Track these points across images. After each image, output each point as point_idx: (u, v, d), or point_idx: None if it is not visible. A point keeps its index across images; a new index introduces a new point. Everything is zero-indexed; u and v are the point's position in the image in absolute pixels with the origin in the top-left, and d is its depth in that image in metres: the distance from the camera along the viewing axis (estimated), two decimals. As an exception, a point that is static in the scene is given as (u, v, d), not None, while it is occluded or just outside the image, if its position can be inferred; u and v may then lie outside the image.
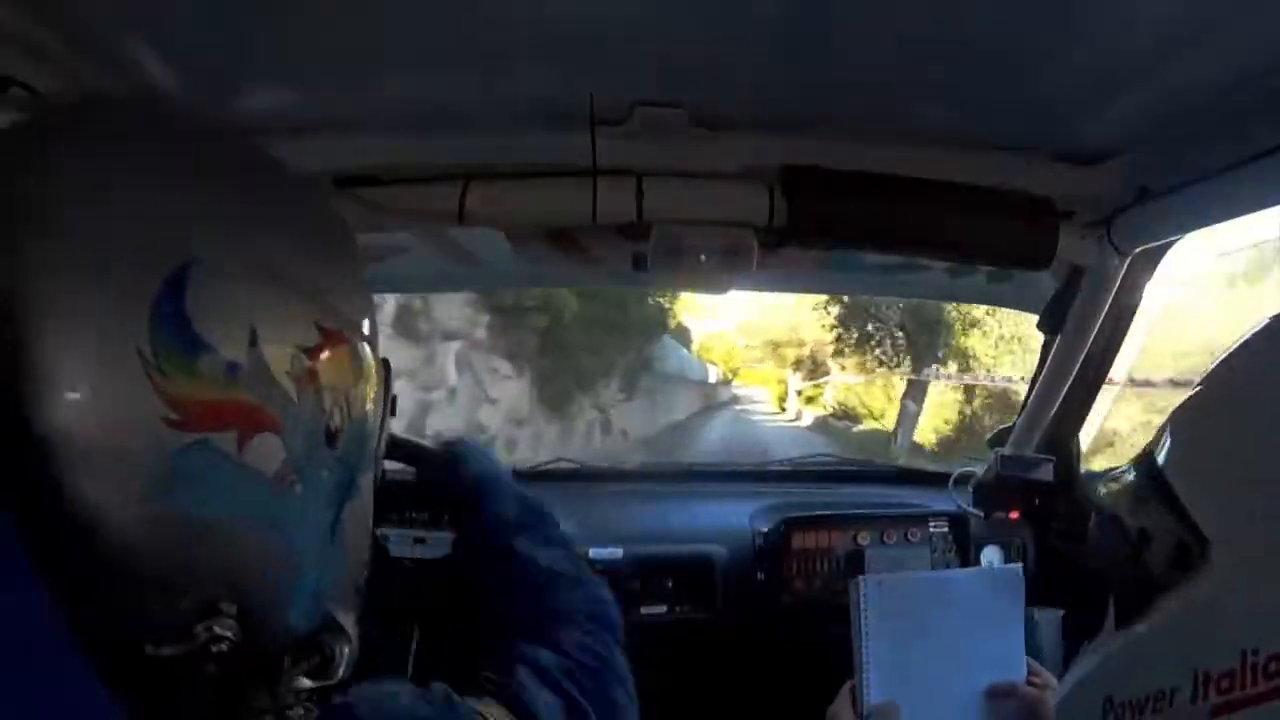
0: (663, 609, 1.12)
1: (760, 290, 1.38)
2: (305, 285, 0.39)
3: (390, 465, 1.11)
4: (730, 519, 1.24)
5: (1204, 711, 0.33)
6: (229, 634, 0.35)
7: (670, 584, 1.13)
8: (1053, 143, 0.85)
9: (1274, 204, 0.75)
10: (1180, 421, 0.41)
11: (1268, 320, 0.40)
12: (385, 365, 0.48)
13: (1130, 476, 0.43)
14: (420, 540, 1.09)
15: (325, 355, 0.38)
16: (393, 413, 0.52)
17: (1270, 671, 0.31)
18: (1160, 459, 0.41)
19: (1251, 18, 0.58)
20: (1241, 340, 0.41)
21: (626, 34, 0.65)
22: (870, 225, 0.87)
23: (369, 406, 0.44)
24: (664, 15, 0.62)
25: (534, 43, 0.67)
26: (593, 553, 1.12)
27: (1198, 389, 0.41)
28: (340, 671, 0.42)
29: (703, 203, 0.88)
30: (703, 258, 0.90)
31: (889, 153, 0.85)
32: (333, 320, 0.39)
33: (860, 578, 0.75)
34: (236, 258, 0.35)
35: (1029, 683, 0.74)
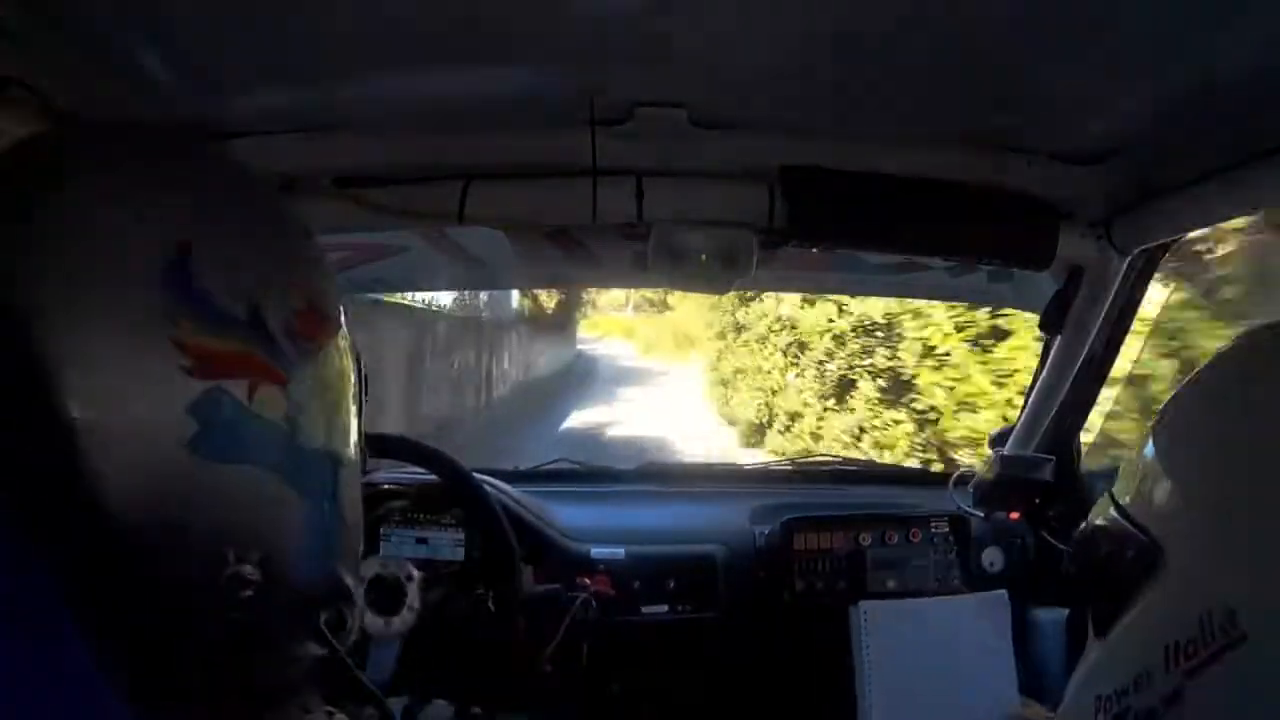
0: (664, 609, 1.12)
1: (761, 290, 1.38)
2: (293, 267, 0.44)
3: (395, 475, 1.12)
4: (731, 519, 1.24)
5: (1178, 676, 0.37)
6: (254, 578, 0.37)
7: (671, 584, 1.13)
8: (1053, 143, 0.85)
9: (1274, 204, 0.75)
10: (1134, 453, 0.46)
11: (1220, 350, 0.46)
12: (357, 355, 0.51)
13: (1100, 503, 0.48)
14: (422, 540, 1.10)
15: (314, 321, 0.43)
16: (366, 393, 0.55)
17: (1223, 627, 0.35)
18: (1114, 487, 0.46)
19: (1251, 17, 0.58)
20: (1187, 379, 0.46)
21: (626, 34, 0.65)
22: (870, 225, 0.87)
23: (352, 375, 0.48)
24: (664, 15, 0.62)
25: (534, 42, 0.67)
26: (594, 552, 1.12)
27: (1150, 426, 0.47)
28: (350, 639, 0.44)
29: (703, 203, 0.88)
30: (703, 258, 0.90)
31: (889, 153, 0.85)
32: (318, 299, 0.44)
33: (860, 603, 0.77)
34: (232, 241, 0.40)
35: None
